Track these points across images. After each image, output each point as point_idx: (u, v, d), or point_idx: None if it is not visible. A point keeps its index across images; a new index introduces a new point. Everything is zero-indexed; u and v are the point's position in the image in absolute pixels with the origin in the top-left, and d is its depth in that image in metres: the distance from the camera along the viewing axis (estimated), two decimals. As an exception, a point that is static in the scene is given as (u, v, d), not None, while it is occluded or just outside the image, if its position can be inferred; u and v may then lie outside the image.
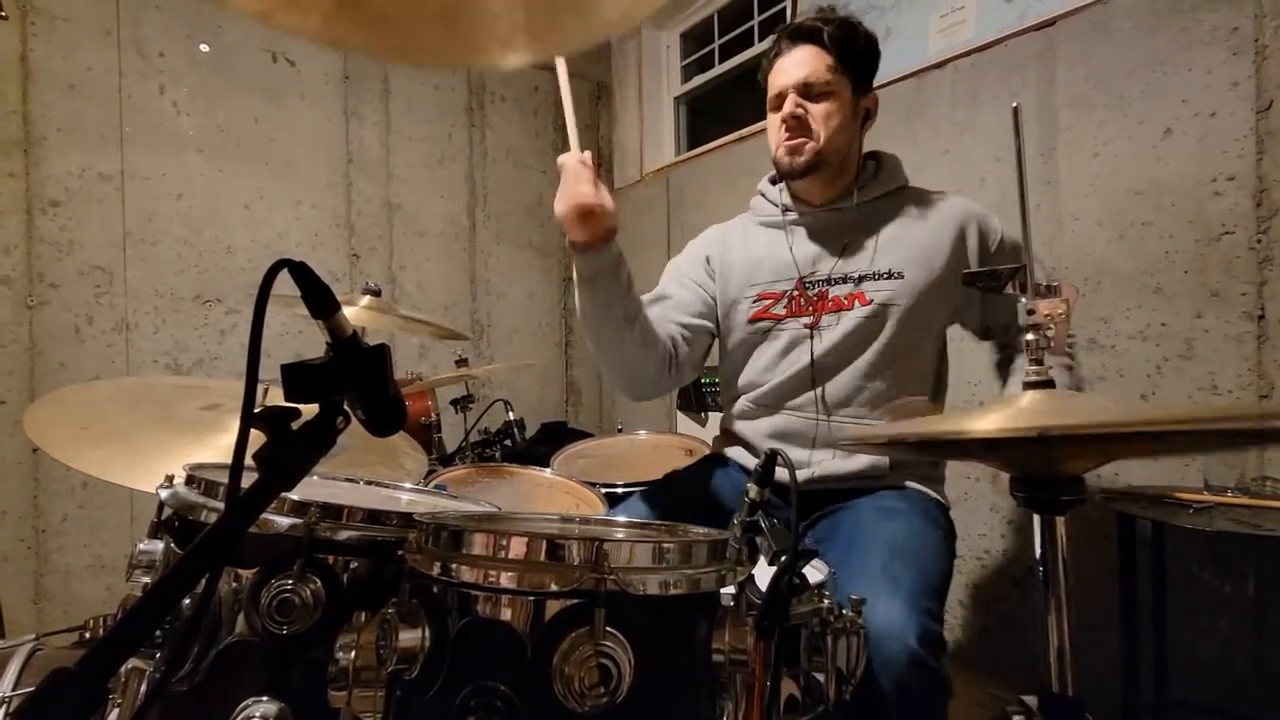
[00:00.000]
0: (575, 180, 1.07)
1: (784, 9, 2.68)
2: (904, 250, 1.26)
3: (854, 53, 1.24)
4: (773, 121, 1.30)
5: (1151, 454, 1.14)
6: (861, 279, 1.26)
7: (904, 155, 1.37)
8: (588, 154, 1.09)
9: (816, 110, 1.24)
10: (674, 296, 1.38)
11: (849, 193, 1.30)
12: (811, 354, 1.26)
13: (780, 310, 1.31)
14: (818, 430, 1.27)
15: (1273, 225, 1.48)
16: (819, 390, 1.27)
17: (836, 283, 1.28)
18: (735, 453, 1.39)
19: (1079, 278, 1.74)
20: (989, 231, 1.27)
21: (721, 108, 3.16)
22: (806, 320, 1.28)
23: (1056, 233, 1.80)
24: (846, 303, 1.26)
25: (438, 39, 0.40)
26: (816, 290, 1.29)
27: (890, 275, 1.25)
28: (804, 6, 2.51)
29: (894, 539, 1.07)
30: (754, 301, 1.33)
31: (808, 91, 1.24)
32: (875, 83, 1.32)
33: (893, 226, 1.28)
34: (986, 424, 0.58)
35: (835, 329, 1.26)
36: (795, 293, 1.30)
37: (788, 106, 1.25)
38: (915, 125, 2.12)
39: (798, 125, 1.24)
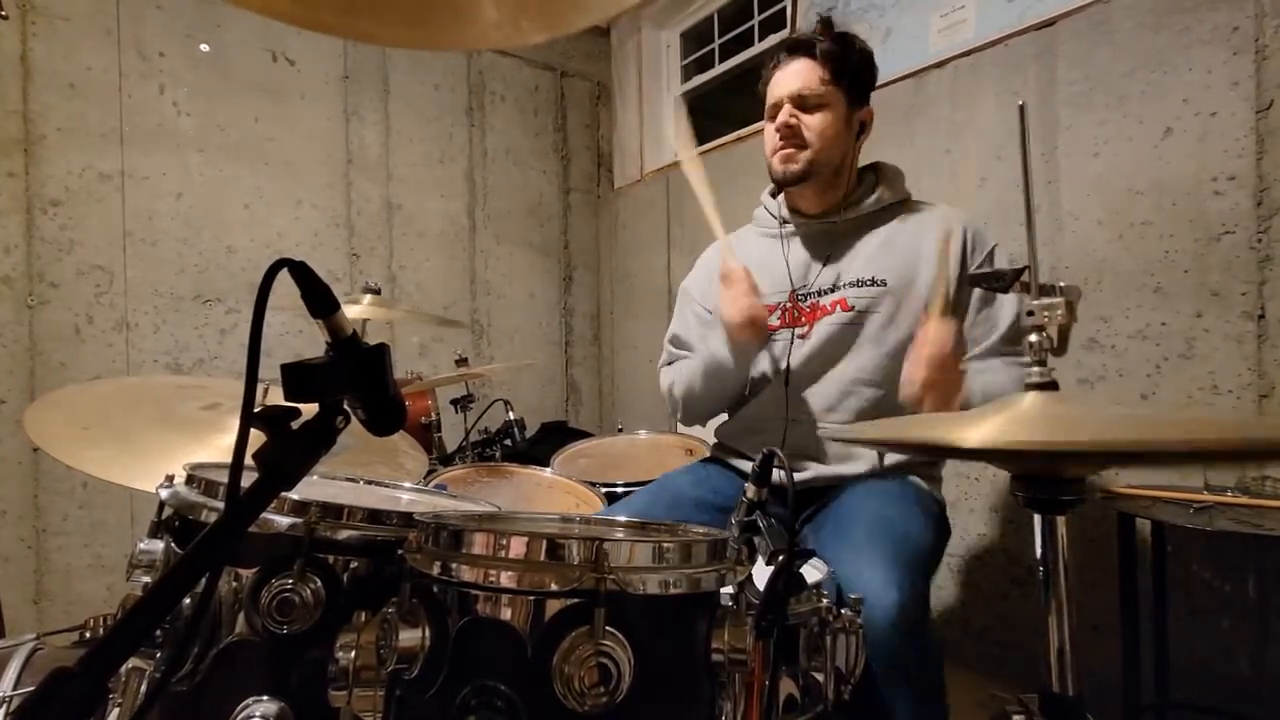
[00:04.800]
0: (745, 293, 1.21)
1: (784, 8, 2.68)
2: (889, 258, 1.27)
3: (848, 66, 1.26)
4: (769, 130, 1.32)
5: (1152, 463, 1.14)
6: (845, 286, 1.28)
7: (903, 155, 1.37)
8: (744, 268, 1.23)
9: (810, 121, 1.26)
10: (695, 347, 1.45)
11: (843, 204, 1.32)
12: (797, 361, 1.28)
13: (775, 321, 1.33)
14: (807, 436, 1.27)
15: (1273, 225, 1.48)
16: (805, 395, 1.28)
17: (825, 292, 1.30)
18: (729, 456, 1.40)
19: (1079, 277, 1.74)
20: (974, 240, 1.25)
21: (722, 107, 3.16)
22: (800, 330, 1.30)
23: (1056, 232, 1.80)
24: (830, 309, 1.28)
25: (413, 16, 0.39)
26: (809, 301, 1.31)
27: (873, 282, 1.26)
28: (804, 6, 2.51)
29: (880, 513, 1.11)
30: None
31: (802, 103, 1.26)
32: (875, 82, 1.33)
33: (882, 235, 1.30)
34: (981, 431, 0.57)
35: (817, 336, 1.28)
36: (788, 304, 1.32)
37: (782, 116, 1.28)
38: (915, 125, 2.12)
39: (791, 134, 1.27)
